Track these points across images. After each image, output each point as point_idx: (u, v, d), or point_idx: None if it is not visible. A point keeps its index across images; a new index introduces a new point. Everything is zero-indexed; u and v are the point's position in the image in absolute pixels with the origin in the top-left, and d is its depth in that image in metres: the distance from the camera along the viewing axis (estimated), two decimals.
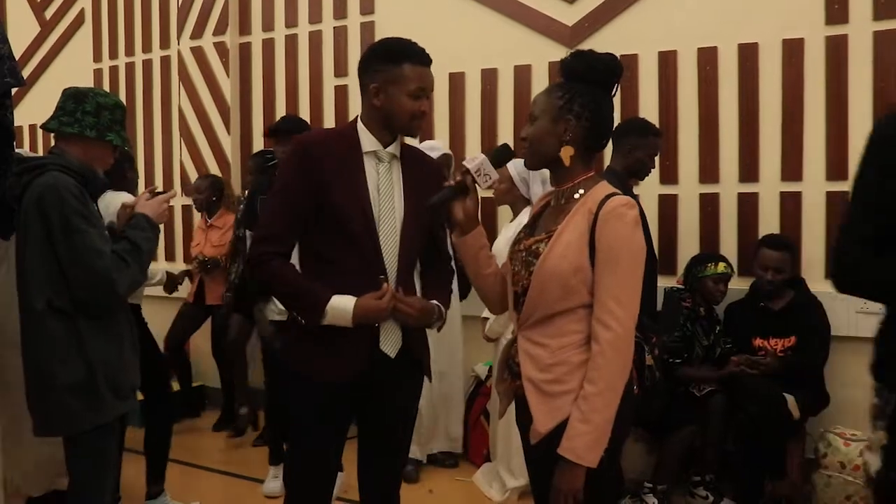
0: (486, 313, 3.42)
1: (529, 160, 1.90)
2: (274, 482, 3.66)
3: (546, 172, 2.00)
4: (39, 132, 6.19)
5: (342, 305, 1.98)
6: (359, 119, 2.11)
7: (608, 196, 1.75)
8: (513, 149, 1.98)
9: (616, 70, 1.86)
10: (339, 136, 2.11)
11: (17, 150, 2.26)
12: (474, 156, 1.91)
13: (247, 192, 4.41)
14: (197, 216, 5.05)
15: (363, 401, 2.15)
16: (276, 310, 3.46)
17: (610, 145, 3.26)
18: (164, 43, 5.53)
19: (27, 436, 2.57)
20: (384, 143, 2.08)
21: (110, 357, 2.28)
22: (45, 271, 2.20)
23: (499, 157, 1.93)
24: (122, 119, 2.42)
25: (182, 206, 5.43)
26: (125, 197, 3.15)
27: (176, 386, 4.90)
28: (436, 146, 3.85)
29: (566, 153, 1.80)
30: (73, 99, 2.34)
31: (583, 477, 1.69)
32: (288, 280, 2.04)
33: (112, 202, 3.13)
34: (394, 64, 2.01)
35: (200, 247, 4.69)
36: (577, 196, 1.81)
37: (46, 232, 2.18)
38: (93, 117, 2.33)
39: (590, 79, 1.83)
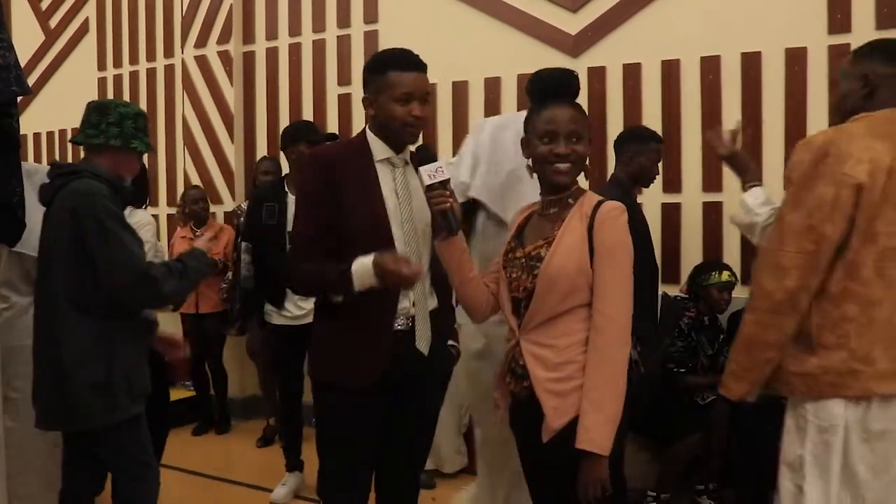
0: None
1: (571, 177, 1.94)
2: (282, 489, 3.68)
3: None
4: (44, 140, 6.22)
5: (363, 261, 1.95)
6: (367, 129, 2.14)
7: (600, 202, 1.89)
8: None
9: (577, 85, 2.18)
10: (351, 147, 2.15)
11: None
12: (438, 166, 1.94)
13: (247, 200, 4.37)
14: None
15: (391, 404, 2.14)
16: (288, 315, 3.54)
17: (613, 155, 3.30)
18: (168, 51, 5.55)
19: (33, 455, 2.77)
20: (395, 151, 2.11)
21: (131, 359, 2.34)
22: (74, 273, 2.25)
23: (428, 159, 1.98)
24: (145, 126, 2.49)
25: (167, 215, 5.50)
26: (140, 216, 3.16)
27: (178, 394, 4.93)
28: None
29: None
30: (96, 112, 2.42)
31: (607, 466, 1.79)
32: (318, 268, 2.04)
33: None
34: (379, 73, 2.05)
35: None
36: (571, 201, 1.94)
37: (78, 235, 2.23)
38: (116, 127, 2.39)
39: (559, 95, 1.99)
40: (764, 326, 1.95)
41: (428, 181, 1.95)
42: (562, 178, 1.91)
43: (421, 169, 1.97)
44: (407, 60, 2.05)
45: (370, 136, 2.12)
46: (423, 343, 2.11)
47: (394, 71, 2.03)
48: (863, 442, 1.87)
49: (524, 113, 2.05)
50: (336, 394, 2.09)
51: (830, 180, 1.83)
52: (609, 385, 1.79)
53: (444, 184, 1.94)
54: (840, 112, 2.09)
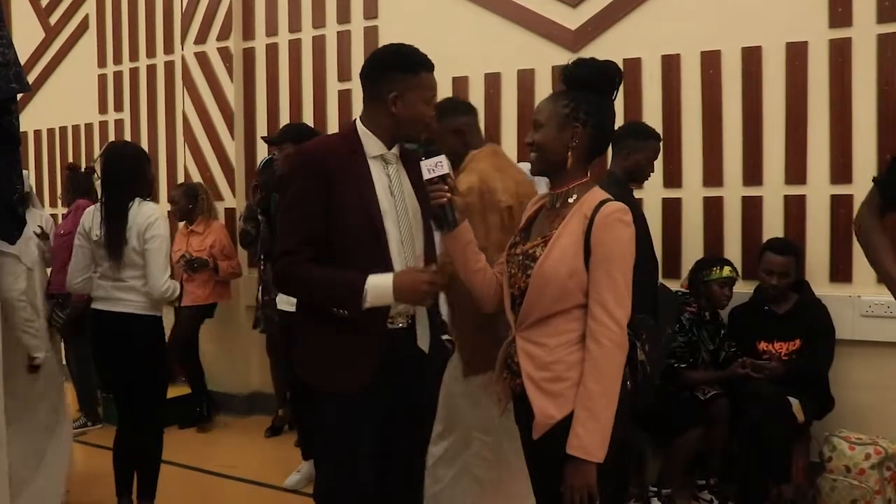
0: None
1: (536, 166, 1.95)
2: (295, 475, 3.79)
3: None
4: (45, 138, 6.22)
5: (381, 282, 1.94)
6: (359, 123, 2.10)
7: (602, 202, 1.83)
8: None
9: (617, 77, 1.96)
10: (342, 142, 2.09)
11: None
12: (438, 160, 1.94)
13: (259, 192, 4.34)
14: (171, 223, 5.15)
15: (393, 404, 2.11)
16: (285, 300, 3.53)
17: (610, 149, 3.29)
18: (168, 48, 5.55)
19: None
20: (388, 147, 2.09)
21: None
22: None
23: (432, 151, 1.98)
24: None
25: (167, 211, 5.47)
26: (148, 209, 3.09)
27: (179, 391, 4.93)
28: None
29: (567, 159, 1.88)
30: None
31: (594, 473, 1.75)
32: (320, 275, 2.00)
33: (139, 212, 3.07)
34: (412, 73, 2.04)
35: (181, 251, 4.69)
36: (571, 200, 1.89)
37: None
38: None
39: (591, 86, 1.91)
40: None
41: (427, 175, 1.94)
42: None
43: (421, 163, 1.95)
44: (430, 62, 2.08)
45: (362, 130, 2.07)
46: (423, 341, 2.12)
47: (425, 72, 2.06)
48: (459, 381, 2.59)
49: None
50: (334, 399, 2.05)
51: None
52: (604, 394, 1.76)
53: (444, 178, 1.93)
54: None
